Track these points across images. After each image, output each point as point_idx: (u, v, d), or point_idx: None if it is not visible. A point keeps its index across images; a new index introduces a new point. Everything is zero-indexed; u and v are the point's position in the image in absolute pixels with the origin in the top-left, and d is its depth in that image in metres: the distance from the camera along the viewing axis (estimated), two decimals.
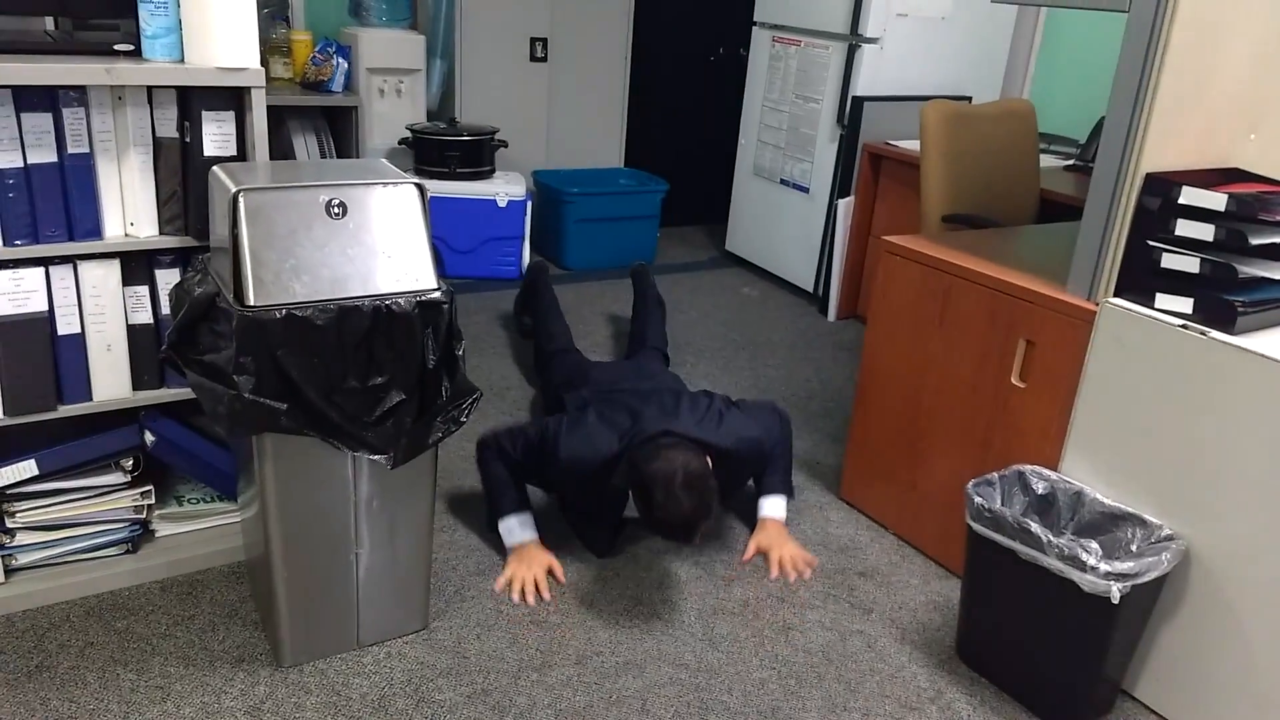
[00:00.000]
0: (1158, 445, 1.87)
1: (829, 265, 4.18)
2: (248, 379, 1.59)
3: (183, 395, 2.01)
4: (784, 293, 4.46)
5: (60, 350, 1.88)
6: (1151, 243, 1.89)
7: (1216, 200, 1.79)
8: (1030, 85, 4.40)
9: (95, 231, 1.87)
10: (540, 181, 4.55)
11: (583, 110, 4.92)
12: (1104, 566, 1.72)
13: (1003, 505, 1.98)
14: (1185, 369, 1.81)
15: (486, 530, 2.37)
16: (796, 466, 2.76)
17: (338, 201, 1.68)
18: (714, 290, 4.42)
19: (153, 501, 2.10)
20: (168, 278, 1.95)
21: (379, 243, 1.71)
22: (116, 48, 1.85)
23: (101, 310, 1.90)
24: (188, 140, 1.89)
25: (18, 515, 1.97)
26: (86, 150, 1.82)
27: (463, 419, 1.79)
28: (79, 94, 1.78)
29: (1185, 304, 1.84)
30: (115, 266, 1.89)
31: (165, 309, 1.95)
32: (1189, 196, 1.82)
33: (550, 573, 2.25)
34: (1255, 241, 1.78)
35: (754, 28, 4.45)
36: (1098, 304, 1.96)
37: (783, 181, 4.39)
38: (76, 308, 1.87)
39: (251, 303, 1.59)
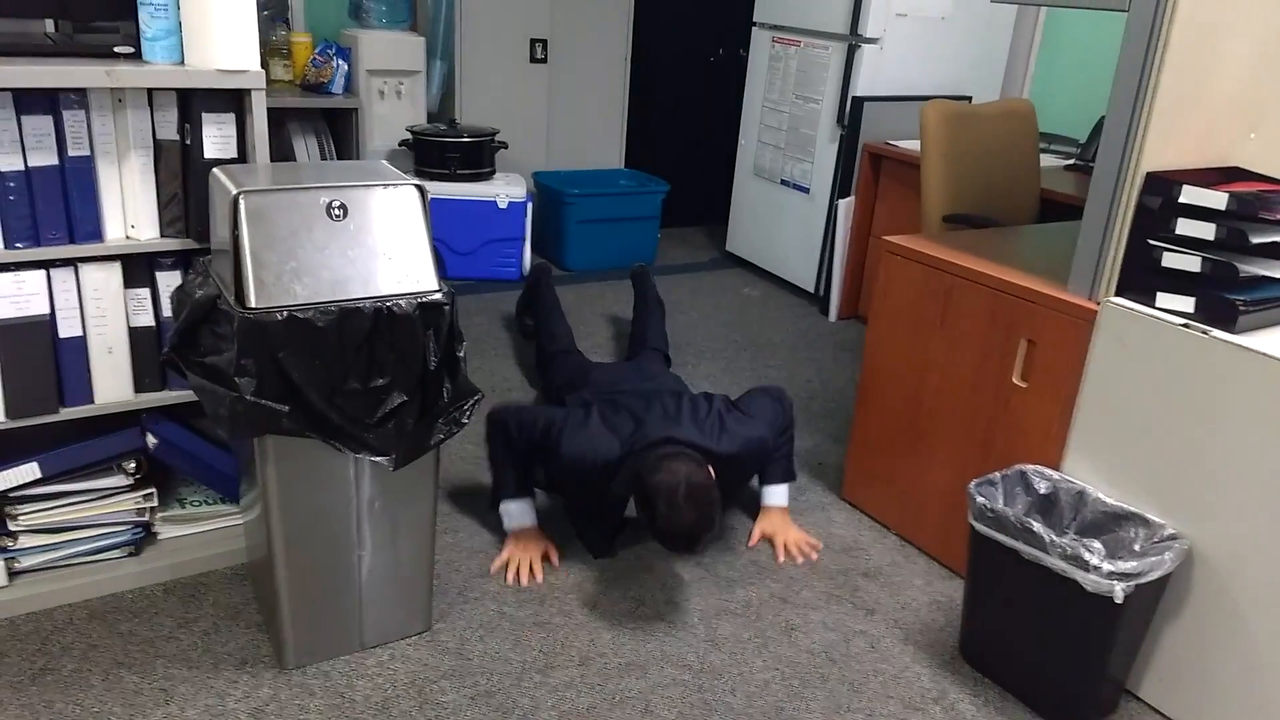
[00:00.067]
0: (1160, 444, 1.87)
1: (830, 266, 4.18)
2: (249, 381, 1.59)
3: (184, 397, 2.01)
4: (785, 293, 4.46)
5: (62, 353, 1.88)
6: (1152, 242, 1.89)
7: (1217, 199, 1.79)
8: (1030, 85, 4.40)
9: (96, 234, 1.87)
10: (541, 183, 4.55)
11: (583, 111, 4.92)
12: (1107, 566, 1.72)
13: (1005, 505, 1.98)
14: (1187, 368, 1.81)
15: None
16: (798, 467, 2.76)
17: (338, 203, 1.68)
18: (715, 291, 4.41)
19: (155, 504, 2.10)
20: (169, 280, 1.95)
21: (380, 244, 1.71)
22: (117, 50, 1.85)
23: (103, 313, 1.90)
24: (188, 142, 1.89)
25: (21, 518, 1.97)
26: (87, 153, 1.82)
27: (464, 420, 1.79)
28: (79, 96, 1.78)
29: (1186, 303, 1.84)
30: (116, 269, 1.89)
31: (166, 311, 1.95)
32: (1189, 195, 1.82)
33: (546, 558, 2.26)
34: (1256, 240, 1.78)
35: (754, 28, 4.44)
36: (1099, 303, 1.96)
37: (783, 182, 4.39)
38: (78, 310, 1.87)
39: (253, 305, 1.59)
